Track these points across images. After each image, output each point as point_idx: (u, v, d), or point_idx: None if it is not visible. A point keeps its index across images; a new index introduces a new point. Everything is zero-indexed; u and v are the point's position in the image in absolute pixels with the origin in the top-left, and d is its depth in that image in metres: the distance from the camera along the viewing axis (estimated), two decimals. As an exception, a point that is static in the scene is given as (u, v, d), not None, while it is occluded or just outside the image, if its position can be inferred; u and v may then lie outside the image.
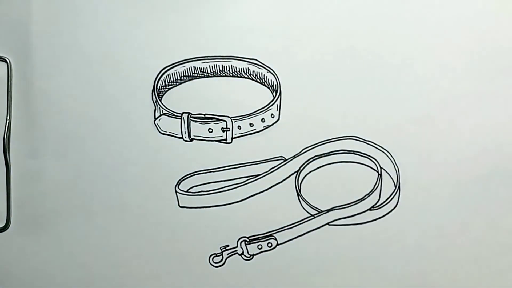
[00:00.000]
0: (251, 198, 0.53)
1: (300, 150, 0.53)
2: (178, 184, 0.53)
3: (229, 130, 0.52)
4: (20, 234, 0.53)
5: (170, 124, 0.52)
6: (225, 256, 0.53)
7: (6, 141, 0.50)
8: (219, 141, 0.53)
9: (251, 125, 0.52)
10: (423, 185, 0.53)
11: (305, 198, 0.53)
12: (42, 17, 0.52)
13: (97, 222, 0.53)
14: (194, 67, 0.53)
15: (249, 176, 0.53)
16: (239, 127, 0.52)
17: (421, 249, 0.53)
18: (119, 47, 0.52)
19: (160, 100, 0.52)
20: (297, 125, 0.53)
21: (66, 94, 0.52)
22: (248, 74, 0.53)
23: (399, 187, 0.53)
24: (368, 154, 0.53)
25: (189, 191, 0.53)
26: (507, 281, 0.53)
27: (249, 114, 0.52)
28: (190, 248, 0.53)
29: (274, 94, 0.53)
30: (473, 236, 0.53)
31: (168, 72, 0.52)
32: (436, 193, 0.53)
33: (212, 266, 0.53)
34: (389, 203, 0.53)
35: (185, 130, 0.52)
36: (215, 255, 0.53)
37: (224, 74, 0.53)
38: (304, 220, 0.53)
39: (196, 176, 0.53)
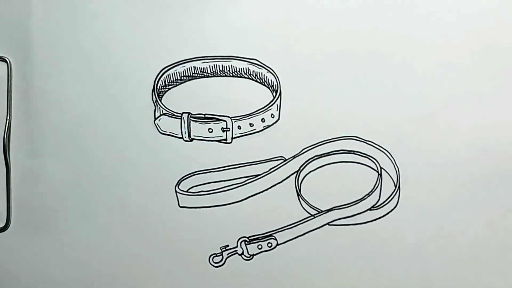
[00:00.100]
0: (251, 198, 0.53)
1: (300, 150, 0.53)
2: (178, 184, 0.53)
3: (229, 130, 0.52)
4: (20, 234, 0.53)
5: (170, 124, 0.52)
6: (225, 256, 0.53)
7: (6, 141, 0.50)
8: (219, 141, 0.53)
9: (251, 125, 0.52)
10: (423, 185, 0.52)
11: (305, 198, 0.53)
12: (42, 17, 0.52)
13: (97, 222, 0.53)
14: (194, 67, 0.53)
15: (249, 176, 0.53)
16: (239, 127, 0.52)
17: (421, 249, 0.53)
18: (119, 47, 0.52)
19: (160, 100, 0.52)
20: (297, 125, 0.52)
21: (66, 94, 0.52)
22: (248, 74, 0.53)
23: (399, 187, 0.53)
24: (368, 154, 0.53)
25: (189, 191, 0.53)
26: (507, 281, 0.53)
27: (249, 114, 0.52)
28: (190, 248, 0.53)
29: (274, 94, 0.53)
30: (473, 236, 0.53)
31: (168, 72, 0.52)
32: (436, 193, 0.52)
33: (212, 266, 0.53)
34: (389, 203, 0.53)
35: (185, 130, 0.52)
36: (215, 255, 0.53)
37: (224, 74, 0.53)
38: (304, 220, 0.53)
39: (196, 176, 0.53)
